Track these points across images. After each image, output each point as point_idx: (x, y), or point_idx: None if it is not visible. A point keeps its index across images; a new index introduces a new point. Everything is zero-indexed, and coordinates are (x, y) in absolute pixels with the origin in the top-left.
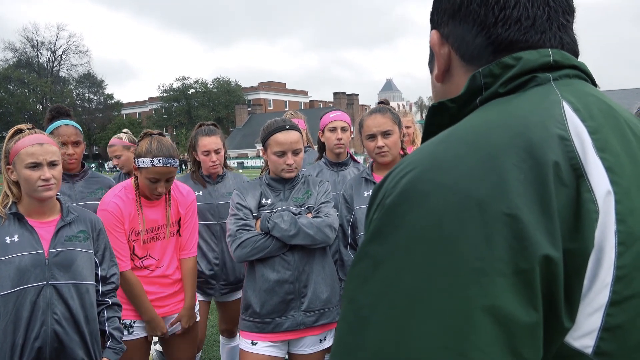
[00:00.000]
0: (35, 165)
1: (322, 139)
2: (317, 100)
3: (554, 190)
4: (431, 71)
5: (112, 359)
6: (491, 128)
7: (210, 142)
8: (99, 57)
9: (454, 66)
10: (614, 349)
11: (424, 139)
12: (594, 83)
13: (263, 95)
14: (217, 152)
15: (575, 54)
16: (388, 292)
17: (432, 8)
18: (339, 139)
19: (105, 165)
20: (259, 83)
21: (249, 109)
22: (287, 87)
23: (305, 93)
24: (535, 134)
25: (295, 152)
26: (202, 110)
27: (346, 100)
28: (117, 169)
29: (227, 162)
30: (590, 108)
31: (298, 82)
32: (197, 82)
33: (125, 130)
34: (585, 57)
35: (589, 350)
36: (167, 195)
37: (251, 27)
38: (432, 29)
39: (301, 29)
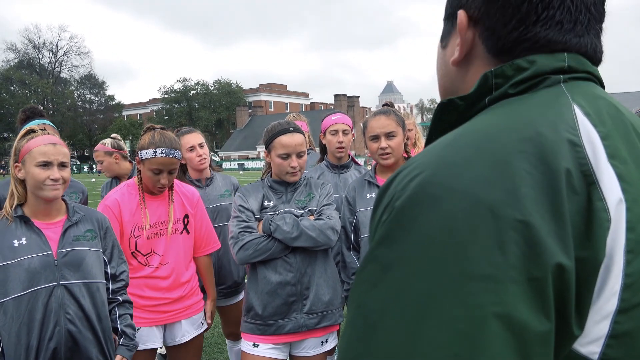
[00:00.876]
0: (46, 164)
1: (324, 141)
2: (318, 102)
3: (566, 198)
4: (444, 46)
5: (126, 356)
6: (500, 131)
7: (191, 137)
8: (99, 58)
9: (475, 55)
10: (620, 356)
11: (430, 136)
12: (602, 86)
13: (264, 97)
14: (201, 146)
15: (599, 62)
16: (397, 297)
17: None
18: (340, 142)
19: (94, 167)
20: (260, 85)
21: (250, 110)
22: (288, 89)
23: (306, 95)
24: (546, 139)
25: (300, 155)
26: (203, 111)
27: (347, 102)
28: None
29: (214, 163)
30: (601, 112)
31: (299, 83)
32: (198, 83)
33: (113, 135)
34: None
35: (595, 357)
36: (169, 191)
37: (252, 29)
38: (457, 7)
39: (302, 30)
